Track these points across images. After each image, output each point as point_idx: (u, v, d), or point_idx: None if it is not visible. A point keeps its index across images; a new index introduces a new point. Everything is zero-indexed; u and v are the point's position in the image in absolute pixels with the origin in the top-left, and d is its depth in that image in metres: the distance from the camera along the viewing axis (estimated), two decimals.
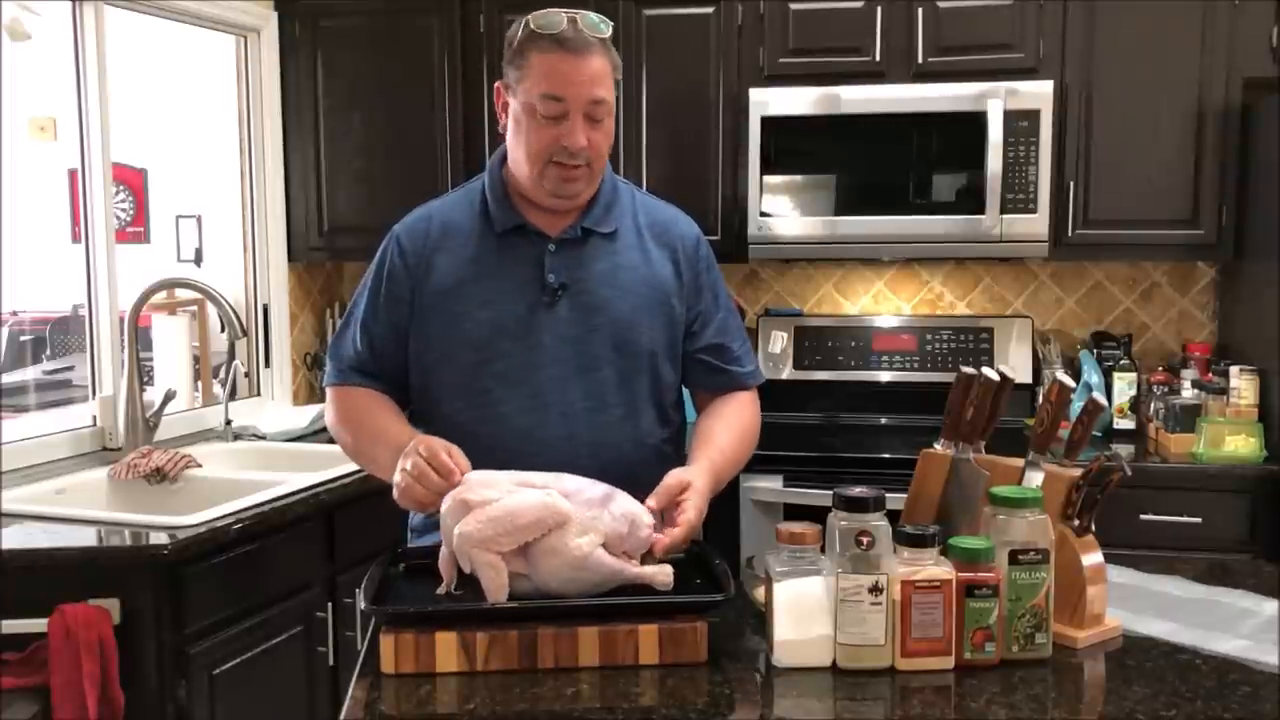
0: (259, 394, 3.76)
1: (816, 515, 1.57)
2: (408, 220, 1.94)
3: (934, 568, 1.45)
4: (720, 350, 1.94)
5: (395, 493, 1.66)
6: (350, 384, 1.93)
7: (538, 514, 1.50)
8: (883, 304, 3.80)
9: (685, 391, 2.01)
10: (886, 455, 3.12)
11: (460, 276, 1.84)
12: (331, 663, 2.74)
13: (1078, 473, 1.59)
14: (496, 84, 1.85)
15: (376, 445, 1.81)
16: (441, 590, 1.56)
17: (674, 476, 1.67)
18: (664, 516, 1.64)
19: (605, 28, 1.77)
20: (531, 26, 1.75)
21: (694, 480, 1.68)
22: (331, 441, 3.40)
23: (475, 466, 1.63)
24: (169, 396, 3.13)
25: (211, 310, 4.54)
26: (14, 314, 6.15)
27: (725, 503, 3.11)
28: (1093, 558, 1.59)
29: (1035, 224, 3.23)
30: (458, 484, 1.58)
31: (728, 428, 1.89)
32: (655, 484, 1.66)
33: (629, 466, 1.70)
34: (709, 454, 1.81)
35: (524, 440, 1.79)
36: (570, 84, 1.74)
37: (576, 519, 1.51)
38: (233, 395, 3.50)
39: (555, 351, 1.82)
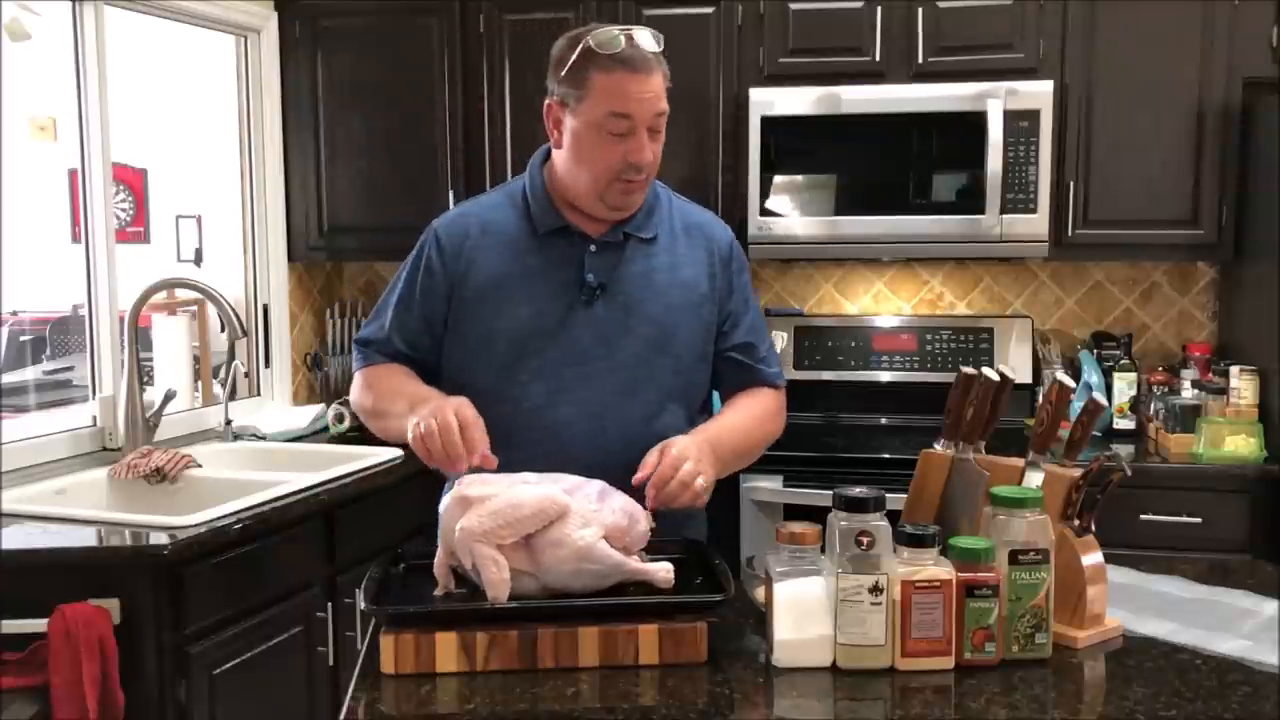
0: (259, 394, 3.76)
1: (816, 515, 1.57)
2: (446, 217, 1.98)
3: (934, 568, 1.45)
4: (749, 349, 1.98)
5: (410, 433, 1.67)
6: (377, 364, 1.96)
7: (539, 505, 1.51)
8: (883, 304, 3.80)
9: (715, 396, 2.05)
10: (886, 455, 3.13)
11: (501, 275, 1.88)
12: (331, 663, 2.74)
13: (1078, 473, 1.59)
14: (548, 101, 1.87)
15: (395, 400, 1.83)
16: (439, 592, 1.56)
17: (652, 452, 1.71)
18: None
19: (659, 43, 1.83)
20: (591, 45, 1.77)
21: (674, 439, 1.72)
22: (331, 441, 3.43)
23: (505, 459, 1.66)
24: (169, 396, 3.13)
25: (211, 310, 4.53)
26: (14, 314, 6.14)
27: (725, 502, 3.12)
28: (1093, 558, 1.59)
29: (1035, 224, 3.23)
30: (473, 464, 1.61)
31: (736, 408, 1.96)
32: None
33: None
34: (706, 425, 1.88)
35: (554, 435, 1.83)
36: (636, 101, 1.79)
37: (577, 511, 1.52)
38: (233, 395, 3.49)
39: (590, 349, 1.86)
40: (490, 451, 1.64)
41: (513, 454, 1.67)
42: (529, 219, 1.90)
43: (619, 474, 1.66)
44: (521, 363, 1.86)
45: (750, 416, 1.95)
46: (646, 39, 1.80)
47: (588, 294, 1.86)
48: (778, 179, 3.36)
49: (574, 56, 1.79)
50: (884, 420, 3.59)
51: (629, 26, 1.81)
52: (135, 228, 6.08)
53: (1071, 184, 3.29)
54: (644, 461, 1.69)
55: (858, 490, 1.48)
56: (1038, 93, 3.21)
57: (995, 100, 3.20)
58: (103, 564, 2.27)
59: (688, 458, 1.68)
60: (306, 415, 3.48)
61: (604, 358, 1.86)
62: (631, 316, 1.87)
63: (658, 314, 1.88)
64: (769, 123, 3.32)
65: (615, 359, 1.86)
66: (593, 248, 1.88)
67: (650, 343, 1.88)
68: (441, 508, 1.58)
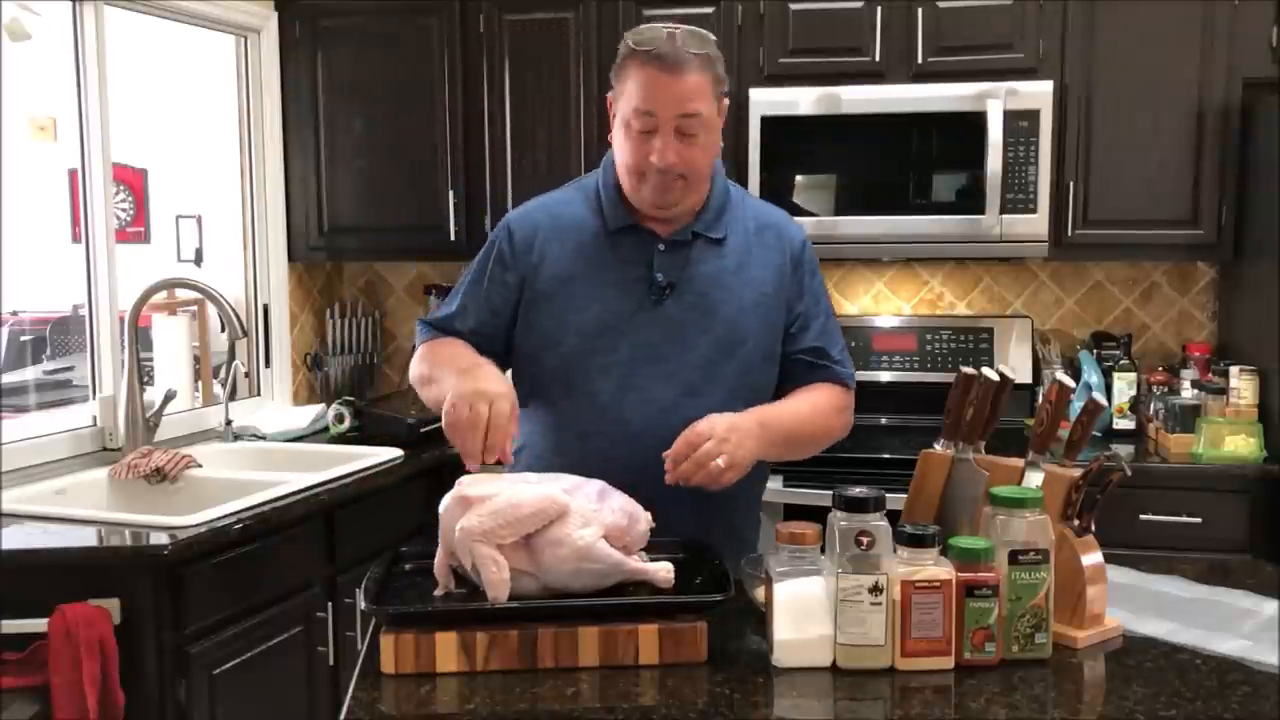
0: (259, 394, 3.76)
1: (816, 515, 1.57)
2: (519, 211, 2.00)
3: (934, 568, 1.45)
4: (819, 353, 1.97)
5: (444, 414, 1.65)
6: (438, 338, 1.97)
7: (539, 505, 1.51)
8: (883, 304, 3.80)
9: None
10: (886, 455, 3.12)
11: (572, 270, 1.90)
12: (331, 663, 2.74)
13: (1078, 473, 1.59)
14: (608, 94, 1.90)
15: (445, 369, 1.81)
16: (438, 592, 1.56)
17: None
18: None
19: (704, 44, 1.80)
20: (630, 43, 1.79)
21: (709, 416, 1.71)
22: (331, 441, 3.43)
23: (569, 452, 1.69)
24: (169, 396, 3.13)
25: (211, 310, 4.54)
26: (14, 314, 6.14)
27: None
28: (1093, 558, 1.58)
29: (1035, 224, 3.23)
30: (488, 462, 1.61)
31: (797, 396, 1.93)
32: (744, 489, 1.74)
33: None
34: (763, 406, 1.85)
35: (619, 430, 1.84)
36: (660, 100, 1.77)
37: (577, 510, 1.52)
38: (233, 395, 3.49)
39: (658, 348, 1.87)
40: (510, 451, 1.64)
41: (581, 445, 1.73)
42: (600, 215, 1.92)
43: None
44: (591, 359, 1.87)
45: (810, 405, 1.93)
46: (689, 39, 1.78)
47: (656, 293, 1.87)
48: (778, 179, 3.35)
49: (621, 51, 1.82)
50: (884, 420, 3.58)
51: (677, 26, 1.80)
52: (135, 228, 6.08)
53: (1071, 184, 3.29)
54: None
55: (858, 490, 1.48)
56: (1038, 93, 3.21)
57: (995, 100, 3.20)
58: (103, 564, 2.27)
59: (710, 436, 1.67)
60: (306, 415, 3.48)
61: (673, 357, 1.87)
62: (700, 316, 1.88)
63: (726, 314, 1.89)
64: (769, 123, 3.32)
65: (684, 358, 1.87)
66: (661, 247, 1.89)
67: (718, 343, 1.88)
68: (441, 508, 1.58)
